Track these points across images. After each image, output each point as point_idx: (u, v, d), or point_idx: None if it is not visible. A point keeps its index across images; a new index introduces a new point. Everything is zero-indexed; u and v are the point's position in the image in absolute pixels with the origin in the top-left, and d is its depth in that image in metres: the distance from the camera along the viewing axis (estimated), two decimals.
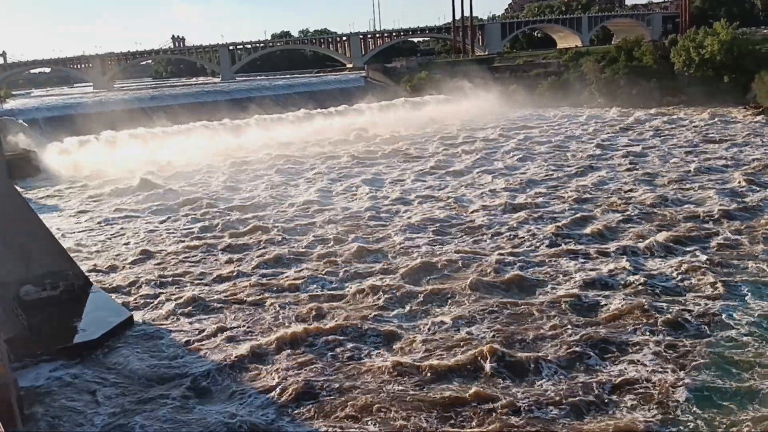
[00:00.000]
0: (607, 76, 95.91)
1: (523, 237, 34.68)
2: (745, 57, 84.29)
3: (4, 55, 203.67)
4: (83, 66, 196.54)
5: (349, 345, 23.24)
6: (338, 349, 23.00)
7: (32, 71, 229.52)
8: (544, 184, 47.13)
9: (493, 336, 23.09)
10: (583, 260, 30.40)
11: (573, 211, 38.92)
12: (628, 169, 50.08)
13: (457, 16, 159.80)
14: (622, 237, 33.65)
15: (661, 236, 32.48)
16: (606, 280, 27.80)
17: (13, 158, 62.84)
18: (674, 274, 27.95)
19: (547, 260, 30.72)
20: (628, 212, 37.75)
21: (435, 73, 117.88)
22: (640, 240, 32.47)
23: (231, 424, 18.90)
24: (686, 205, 38.81)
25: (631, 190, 43.36)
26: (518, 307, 25.44)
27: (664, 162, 52.23)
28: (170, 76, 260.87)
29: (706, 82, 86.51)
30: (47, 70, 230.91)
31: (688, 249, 30.96)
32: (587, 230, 34.93)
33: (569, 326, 23.56)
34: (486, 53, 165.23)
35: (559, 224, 36.17)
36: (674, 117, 78.39)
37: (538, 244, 33.27)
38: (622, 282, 27.41)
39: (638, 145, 61.16)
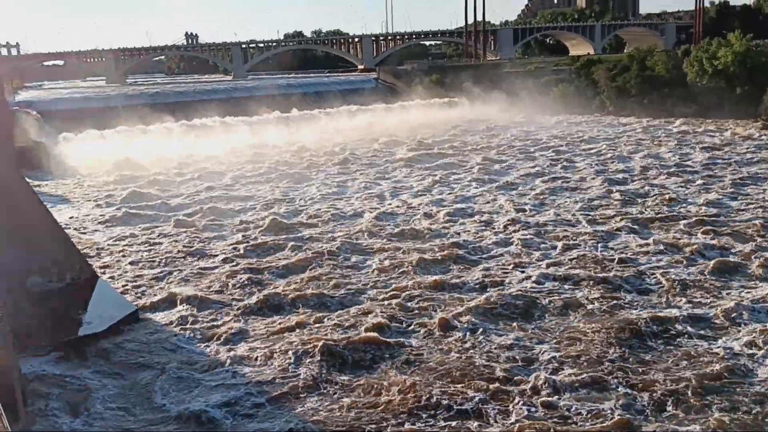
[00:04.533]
0: (619, 85, 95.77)
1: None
2: (758, 69, 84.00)
3: (17, 46, 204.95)
4: (96, 60, 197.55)
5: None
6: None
7: (45, 64, 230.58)
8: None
9: None
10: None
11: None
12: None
13: (470, 21, 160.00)
14: None
15: None
16: None
17: (23, 149, 63.24)
18: None
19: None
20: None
21: (446, 76, 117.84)
22: None
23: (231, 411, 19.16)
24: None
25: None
26: None
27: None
28: (182, 72, 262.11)
29: (719, 93, 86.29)
30: (60, 62, 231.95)
31: None
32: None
33: None
34: (498, 58, 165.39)
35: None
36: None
37: None
38: None
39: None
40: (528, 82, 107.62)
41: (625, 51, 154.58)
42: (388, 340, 23.41)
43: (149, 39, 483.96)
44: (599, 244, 33.34)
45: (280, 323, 25.39)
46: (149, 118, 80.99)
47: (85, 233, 39.69)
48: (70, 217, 43.87)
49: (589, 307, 25.65)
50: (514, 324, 24.51)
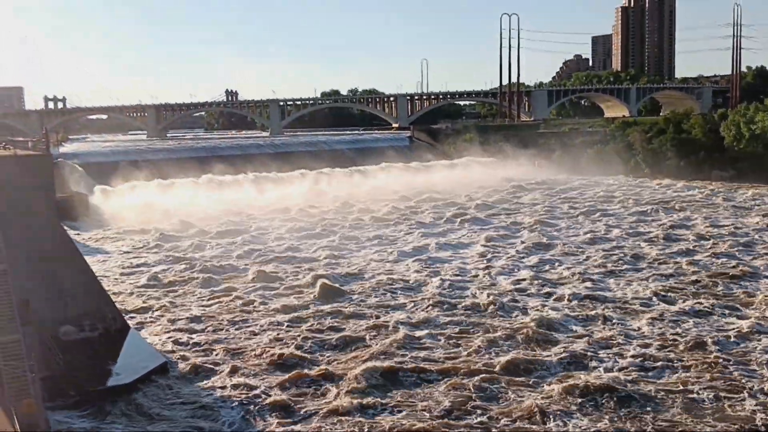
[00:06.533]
0: (655, 147, 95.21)
1: None
2: None
3: (63, 100, 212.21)
4: (139, 115, 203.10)
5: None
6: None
7: (89, 117, 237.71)
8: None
9: None
10: None
11: None
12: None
13: (504, 82, 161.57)
14: None
15: None
16: None
17: (63, 199, 64.56)
18: None
19: None
20: None
21: (481, 136, 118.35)
22: None
23: None
24: None
25: None
26: None
27: None
28: (221, 128, 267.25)
29: (757, 157, 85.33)
30: (104, 116, 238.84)
31: None
32: None
33: None
34: (532, 119, 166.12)
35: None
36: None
37: None
38: None
39: None
40: (563, 142, 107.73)
41: (660, 114, 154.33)
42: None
43: (190, 95, 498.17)
44: None
45: (303, 375, 25.12)
46: (191, 171, 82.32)
47: (119, 284, 40.00)
48: (106, 268, 44.28)
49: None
50: None
